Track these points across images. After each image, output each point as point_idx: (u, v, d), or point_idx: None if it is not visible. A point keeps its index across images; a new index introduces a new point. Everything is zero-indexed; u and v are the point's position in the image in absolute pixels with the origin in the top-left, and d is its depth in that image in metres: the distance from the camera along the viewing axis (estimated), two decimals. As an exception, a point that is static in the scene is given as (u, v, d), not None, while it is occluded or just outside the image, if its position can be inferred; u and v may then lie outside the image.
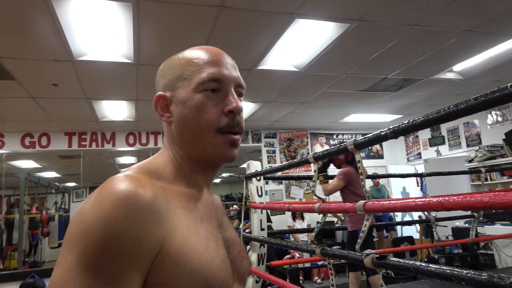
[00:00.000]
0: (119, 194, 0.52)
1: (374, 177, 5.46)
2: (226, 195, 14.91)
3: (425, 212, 5.05)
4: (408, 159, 7.83)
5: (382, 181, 6.49)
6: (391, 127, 1.37)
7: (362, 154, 7.53)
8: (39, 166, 8.75)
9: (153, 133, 6.41)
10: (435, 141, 7.08)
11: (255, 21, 2.89)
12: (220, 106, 0.65)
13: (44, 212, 7.25)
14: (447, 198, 1.10)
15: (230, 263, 0.66)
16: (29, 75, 3.58)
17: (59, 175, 10.55)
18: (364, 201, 1.53)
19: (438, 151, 7.02)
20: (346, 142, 1.63)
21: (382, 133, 1.42)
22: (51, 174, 10.18)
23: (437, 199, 1.13)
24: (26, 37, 2.84)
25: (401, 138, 7.87)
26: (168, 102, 0.68)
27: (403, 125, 1.31)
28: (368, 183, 7.10)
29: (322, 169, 3.63)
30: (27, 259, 6.83)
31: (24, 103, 4.40)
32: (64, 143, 5.99)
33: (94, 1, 2.44)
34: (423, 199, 1.23)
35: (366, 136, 1.52)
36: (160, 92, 0.69)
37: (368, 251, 1.49)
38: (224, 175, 11.44)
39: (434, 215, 3.70)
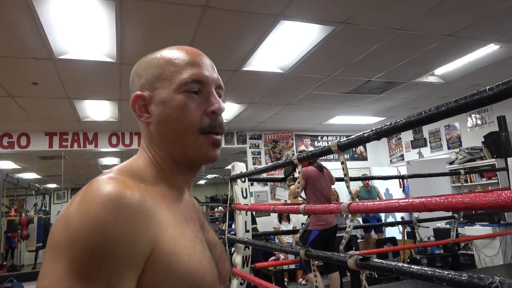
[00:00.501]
0: (107, 196, 0.50)
1: (362, 178, 5.51)
2: (211, 196, 14.84)
3: (408, 213, 5.12)
4: (391, 160, 7.94)
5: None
6: (374, 128, 1.38)
7: (346, 156, 7.63)
8: (18, 167, 8.52)
9: (137, 134, 6.32)
10: (417, 143, 7.20)
11: (240, 22, 2.88)
12: (203, 107, 0.65)
13: (23, 214, 7.05)
14: (429, 199, 1.12)
15: (215, 264, 0.65)
16: (7, 73, 3.48)
17: (39, 176, 10.29)
18: (349, 202, 1.54)
19: (420, 153, 7.14)
20: (330, 143, 1.64)
21: (365, 134, 1.43)
22: (31, 175, 9.93)
23: (420, 200, 1.15)
24: (5, 34, 2.76)
25: (384, 140, 7.98)
26: (146, 102, 0.66)
27: (386, 126, 1.32)
28: (356, 184, 7.20)
29: (289, 172, 3.67)
30: (5, 263, 6.63)
31: (2, 102, 4.27)
32: (45, 144, 5.84)
33: (76, -2, 2.39)
34: (406, 200, 1.24)
35: (350, 137, 1.53)
36: (138, 92, 0.67)
37: (351, 252, 1.50)
38: (209, 176, 11.40)
39: (416, 216, 3.76)
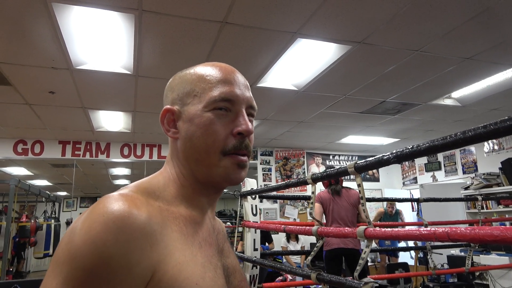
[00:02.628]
0: (110, 214, 0.49)
1: (378, 200, 5.30)
2: (219, 211, 14.75)
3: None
4: (403, 183, 7.80)
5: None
6: (395, 151, 1.33)
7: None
8: (31, 173, 8.61)
9: (149, 146, 6.35)
10: (431, 166, 7.07)
11: (257, 39, 2.89)
12: (230, 126, 0.62)
13: (32, 221, 7.08)
14: (454, 229, 1.06)
15: None
16: (26, 81, 3.53)
17: (51, 184, 10.38)
18: (365, 226, 1.48)
19: (434, 177, 7.00)
20: (341, 163, 1.59)
21: (385, 157, 1.38)
22: (42, 182, 10.02)
23: (443, 229, 1.08)
24: (25, 43, 2.81)
25: (397, 161, 7.85)
26: (175, 117, 0.65)
27: (407, 150, 1.27)
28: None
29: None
30: (11, 269, 6.63)
31: (19, 110, 4.34)
32: (58, 152, 5.90)
33: (96, 10, 2.42)
34: (428, 229, 1.18)
35: (368, 160, 1.48)
36: (168, 106, 0.66)
37: (366, 279, 1.43)
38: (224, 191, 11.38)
39: (429, 242, 3.64)
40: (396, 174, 7.94)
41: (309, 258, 1.86)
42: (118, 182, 10.34)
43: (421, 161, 7.29)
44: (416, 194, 6.92)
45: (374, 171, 7.79)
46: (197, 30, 2.72)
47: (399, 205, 7.20)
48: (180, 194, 0.63)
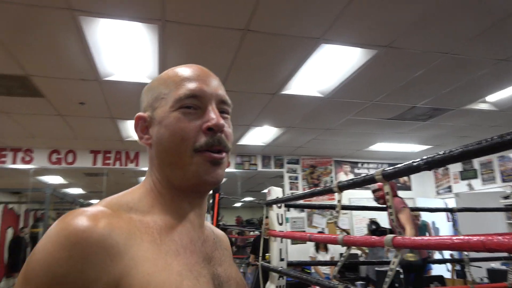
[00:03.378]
0: (65, 230, 0.46)
1: (420, 209, 5.08)
2: (247, 220, 14.69)
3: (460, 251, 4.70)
4: (437, 192, 7.47)
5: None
6: (425, 157, 1.25)
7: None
8: (66, 182, 8.92)
9: (176, 155, 6.43)
10: (466, 174, 6.74)
11: (280, 46, 2.86)
12: (198, 123, 0.59)
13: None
14: (490, 238, 0.96)
15: None
16: (57, 93, 3.66)
17: (84, 192, 10.73)
18: (393, 235, 1.39)
19: (470, 185, 6.66)
20: (370, 171, 1.51)
21: (415, 163, 1.30)
22: (76, 191, 10.37)
23: (478, 238, 0.99)
24: (56, 56, 2.91)
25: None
26: (147, 123, 0.64)
27: (439, 156, 1.19)
28: (394, 216, 6.81)
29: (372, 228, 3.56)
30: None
31: (52, 121, 4.50)
32: (89, 161, 6.08)
33: (121, 22, 2.48)
34: (461, 237, 1.09)
35: (396, 166, 1.40)
36: (140, 113, 0.65)
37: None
38: (245, 199, 11.29)
39: (467, 254, 3.43)
40: (429, 183, 7.62)
41: (336, 269, 1.78)
42: (147, 191, 10.52)
43: (455, 168, 6.97)
44: (451, 204, 6.60)
45: (406, 179, 7.52)
46: (220, 39, 2.73)
47: (434, 217, 6.90)
48: (157, 202, 0.60)
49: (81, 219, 0.48)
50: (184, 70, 0.63)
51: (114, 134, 5.19)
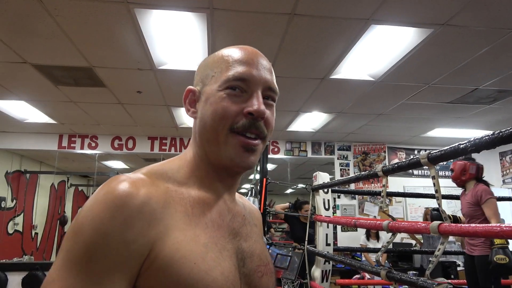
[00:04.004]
0: (110, 194, 0.51)
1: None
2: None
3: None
4: (503, 181, 6.92)
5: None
6: (472, 139, 1.19)
7: (449, 173, 6.89)
8: (127, 167, 9.56)
9: (227, 141, 6.60)
10: (538, 162, 6.16)
11: (327, 28, 2.81)
12: (241, 106, 0.61)
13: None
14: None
15: (244, 277, 0.61)
16: (117, 82, 3.93)
17: (144, 177, 11.41)
18: (439, 222, 1.35)
19: (542, 174, 6.09)
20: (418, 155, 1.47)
21: (461, 146, 1.24)
22: (137, 175, 11.06)
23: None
24: (115, 48, 3.12)
25: (496, 157, 7.00)
26: (196, 97, 0.67)
27: (487, 137, 1.13)
28: (458, 204, 6.50)
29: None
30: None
31: (114, 109, 4.84)
32: (147, 147, 6.46)
33: (172, 12, 2.59)
34: (510, 225, 1.04)
35: (443, 149, 1.35)
36: (190, 86, 0.69)
37: (440, 279, 1.31)
38: (295, 185, 11.32)
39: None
40: (494, 171, 7.07)
41: (379, 254, 1.77)
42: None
43: (525, 156, 6.40)
44: (519, 194, 6.10)
45: (467, 167, 7.05)
46: (266, 24, 2.74)
47: (499, 207, 6.41)
48: (194, 175, 0.63)
49: (124, 185, 0.53)
50: (237, 52, 0.65)
51: (169, 121, 5.45)
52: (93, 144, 6.34)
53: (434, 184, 1.39)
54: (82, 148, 6.31)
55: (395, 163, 1.71)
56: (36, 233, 8.12)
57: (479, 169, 3.45)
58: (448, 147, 1.31)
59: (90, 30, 2.83)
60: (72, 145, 6.29)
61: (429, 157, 1.39)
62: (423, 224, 1.48)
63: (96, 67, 3.52)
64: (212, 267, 0.55)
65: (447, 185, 6.67)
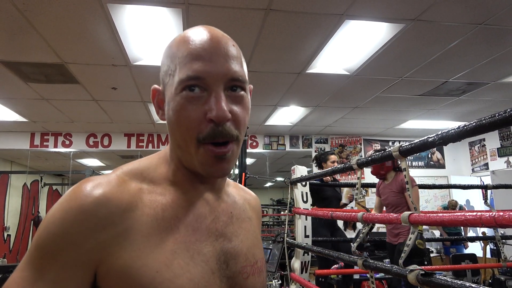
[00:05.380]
0: (67, 196, 0.52)
1: (437, 187, 4.79)
2: (277, 199, 14.86)
3: (493, 229, 4.57)
4: (473, 169, 7.22)
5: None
6: (440, 133, 1.25)
7: (421, 163, 7.14)
8: (103, 164, 9.37)
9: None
10: (505, 151, 6.45)
11: (303, 24, 2.84)
12: (203, 109, 0.55)
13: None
14: (501, 214, 0.97)
15: (227, 279, 0.58)
16: (91, 79, 3.84)
17: (121, 174, 11.20)
18: (409, 212, 1.41)
19: (508, 162, 6.38)
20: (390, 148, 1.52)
21: (430, 139, 1.30)
22: (113, 173, 10.85)
23: (490, 214, 1.00)
24: (88, 44, 3.05)
25: (466, 146, 7.28)
26: (162, 97, 0.61)
27: (453, 131, 1.19)
28: (431, 193, 6.72)
29: None
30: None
31: (88, 106, 4.73)
32: (124, 144, 6.36)
33: (147, 8, 2.55)
34: (474, 214, 1.10)
35: (413, 142, 1.41)
36: (156, 86, 0.63)
37: (413, 266, 1.37)
38: (273, 179, 11.42)
39: (502, 232, 3.35)
40: (464, 160, 7.37)
41: (355, 244, 1.83)
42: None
43: (493, 145, 6.68)
44: (488, 182, 6.37)
45: (440, 157, 7.31)
46: (242, 19, 2.75)
47: (468, 195, 6.69)
48: (170, 175, 0.60)
49: (84, 187, 0.51)
50: (193, 42, 0.56)
51: (146, 117, 5.38)
52: (67, 142, 6.18)
53: (405, 176, 1.45)
54: (55, 146, 6.14)
55: (369, 156, 1.76)
56: (9, 235, 7.87)
57: (394, 160, 3.67)
58: (418, 140, 1.37)
59: (61, 25, 2.75)
60: (45, 143, 6.11)
61: (401, 150, 1.45)
62: (394, 215, 1.54)
63: (68, 63, 3.42)
64: (178, 274, 0.52)
65: (421, 175, 6.91)
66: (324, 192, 3.99)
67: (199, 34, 0.57)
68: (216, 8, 2.59)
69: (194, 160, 0.57)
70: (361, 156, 6.92)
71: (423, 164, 7.21)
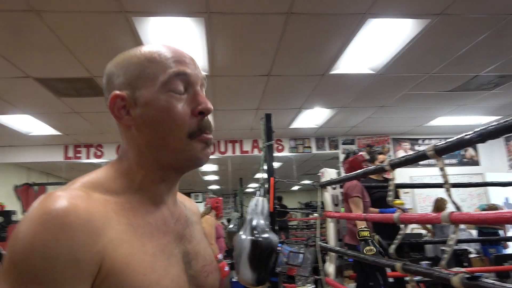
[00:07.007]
0: (48, 214, 0.47)
1: (473, 185, 4.81)
2: (305, 203, 14.74)
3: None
4: (510, 165, 6.90)
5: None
6: (478, 129, 1.20)
7: (454, 161, 6.89)
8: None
9: (231, 142, 6.62)
10: (544, 144, 6.13)
11: (324, 25, 2.82)
12: (189, 107, 0.60)
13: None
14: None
15: (192, 279, 0.61)
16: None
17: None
18: (451, 210, 1.36)
19: (548, 157, 6.07)
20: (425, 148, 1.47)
21: (467, 136, 1.25)
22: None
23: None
24: (112, 55, 3.13)
25: (501, 141, 6.98)
26: (126, 103, 0.61)
27: (492, 127, 1.14)
28: (466, 191, 6.50)
29: None
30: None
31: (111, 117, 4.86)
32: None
33: (170, 18, 2.61)
34: (520, 213, 1.05)
35: (448, 141, 1.36)
36: (117, 91, 0.61)
37: (457, 269, 1.32)
38: (302, 182, 11.42)
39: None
40: (500, 156, 7.05)
41: (393, 246, 1.78)
42: (207, 178, 11.01)
43: (530, 139, 6.37)
44: (527, 178, 6.07)
45: (473, 154, 7.04)
46: (264, 24, 2.75)
47: (507, 192, 6.39)
48: (131, 185, 0.60)
49: (62, 203, 0.49)
50: (168, 50, 0.62)
51: (172, 125, 5.46)
52: (99, 153, 6.38)
53: (442, 175, 1.40)
54: (88, 157, 6.35)
55: (402, 157, 1.71)
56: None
57: (373, 153, 3.62)
58: (454, 138, 1.32)
59: (90, 41, 2.85)
60: (78, 155, 6.33)
61: (436, 149, 1.40)
62: (434, 214, 1.49)
63: (97, 77, 3.54)
64: (162, 276, 0.54)
65: (454, 173, 6.67)
66: (374, 194, 3.85)
67: (169, 46, 0.64)
68: (238, 15, 2.61)
69: (183, 154, 0.60)
70: (390, 155, 6.76)
71: (456, 161, 6.96)
